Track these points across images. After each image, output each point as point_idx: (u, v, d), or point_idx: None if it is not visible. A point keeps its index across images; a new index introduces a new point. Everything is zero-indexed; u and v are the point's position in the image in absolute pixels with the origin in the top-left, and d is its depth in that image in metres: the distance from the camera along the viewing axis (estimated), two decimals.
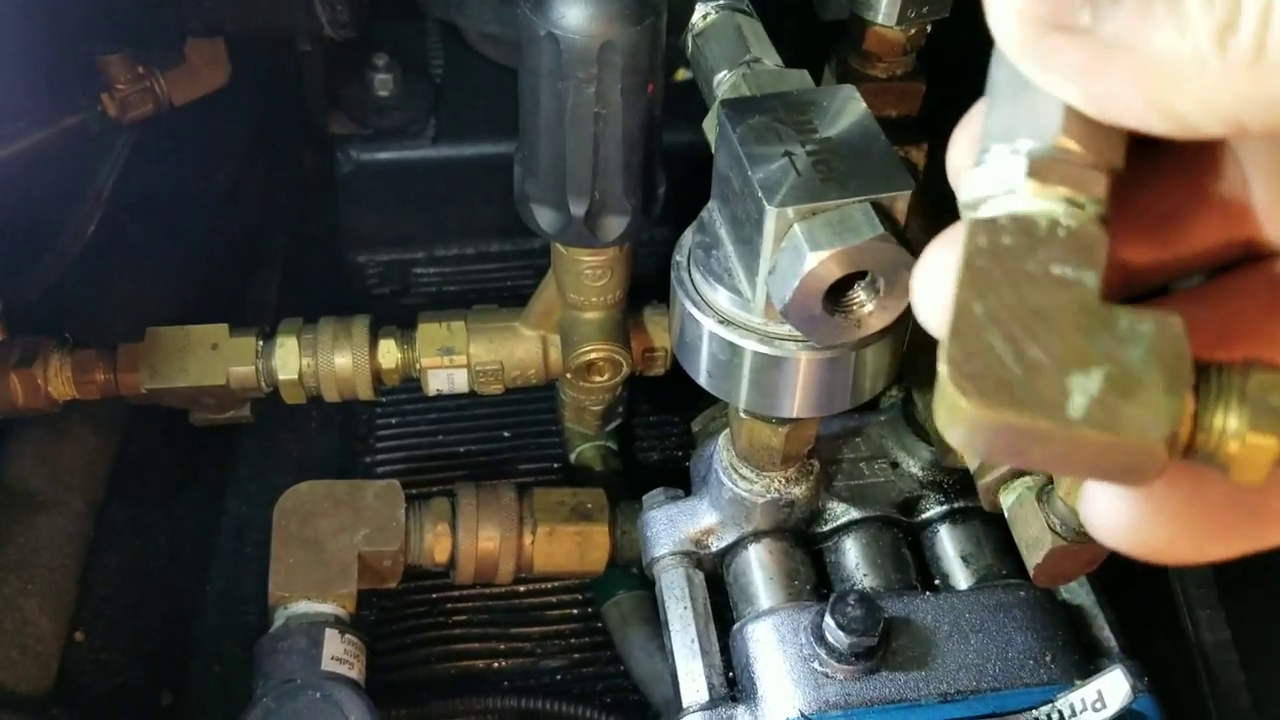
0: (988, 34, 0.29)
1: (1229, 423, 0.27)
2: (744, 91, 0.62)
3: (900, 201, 0.51)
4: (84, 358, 0.86)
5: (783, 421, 0.66)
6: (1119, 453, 0.26)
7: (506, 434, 1.10)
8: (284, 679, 0.73)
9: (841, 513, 0.76)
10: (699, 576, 0.75)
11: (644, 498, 0.80)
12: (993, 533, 0.76)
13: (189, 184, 1.10)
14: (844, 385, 0.59)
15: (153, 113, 0.97)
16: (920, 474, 0.79)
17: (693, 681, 0.70)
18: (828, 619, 0.64)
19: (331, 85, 1.14)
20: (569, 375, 0.88)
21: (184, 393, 0.87)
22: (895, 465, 0.79)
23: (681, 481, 0.82)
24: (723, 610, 0.75)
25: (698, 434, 0.88)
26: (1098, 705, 0.64)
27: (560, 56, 0.65)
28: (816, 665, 0.66)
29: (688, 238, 0.60)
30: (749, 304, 0.56)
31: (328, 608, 0.78)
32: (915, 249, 0.49)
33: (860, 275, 0.52)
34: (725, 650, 0.72)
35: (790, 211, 0.50)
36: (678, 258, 0.60)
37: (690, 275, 0.59)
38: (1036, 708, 0.65)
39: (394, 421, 1.10)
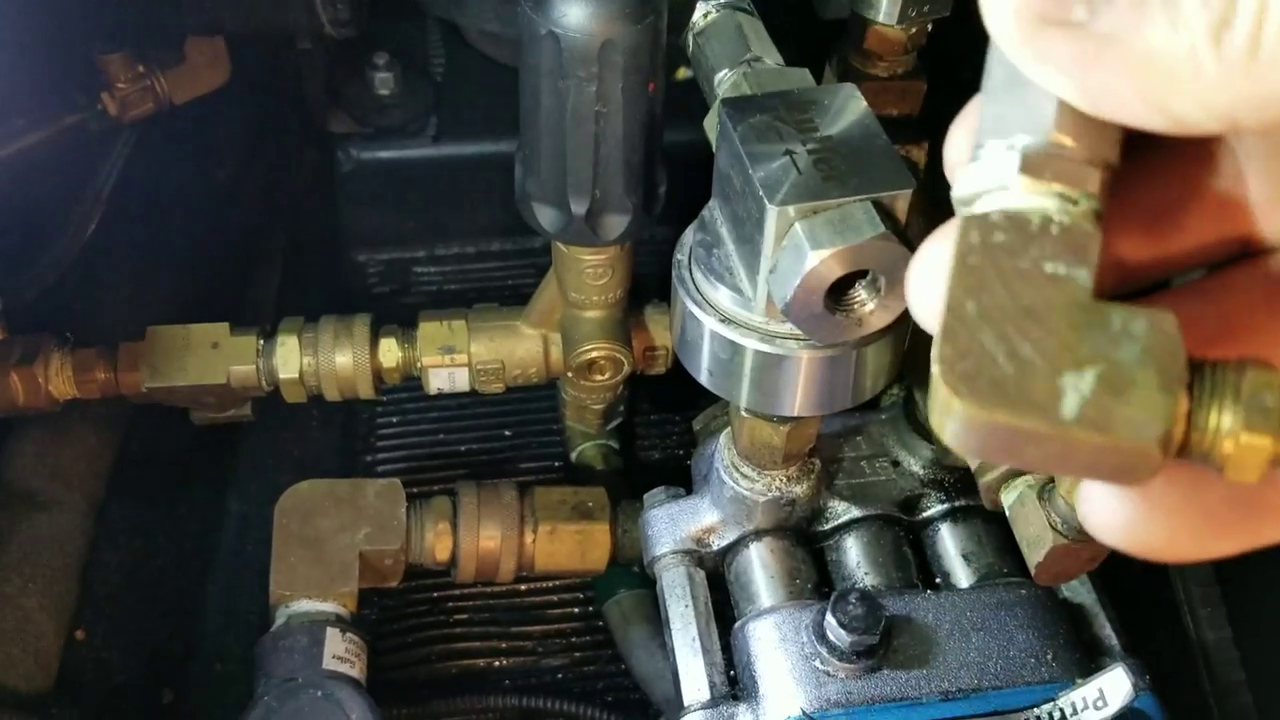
0: (987, 31, 0.29)
1: (1223, 422, 0.27)
2: (745, 90, 0.62)
3: (901, 200, 0.51)
4: (84, 357, 0.86)
5: (784, 420, 0.66)
6: (1113, 453, 0.26)
7: (507, 433, 1.10)
8: (285, 677, 0.73)
9: (843, 511, 0.76)
10: (700, 575, 0.75)
11: (645, 496, 0.80)
12: (994, 531, 0.76)
13: (189, 183, 1.10)
14: (845, 384, 0.59)
15: (153, 112, 0.97)
16: (921, 472, 0.79)
17: (694, 680, 0.70)
18: (829, 617, 0.64)
19: (332, 84, 1.14)
20: (570, 374, 0.88)
21: (185, 392, 0.87)
22: (896, 464, 0.79)
23: (683, 480, 0.82)
24: (724, 609, 0.75)
25: (699, 433, 0.88)
26: (1099, 703, 0.64)
27: (561, 55, 0.65)
28: (818, 663, 0.66)
29: (689, 236, 0.60)
30: (750, 303, 0.56)
31: (329, 606, 0.78)
32: (916, 248, 0.49)
33: (861, 274, 0.52)
34: (726, 649, 0.72)
35: (791, 210, 0.50)
36: (679, 256, 0.60)
37: (691, 274, 0.59)
38: (1038, 706, 0.65)
39: (395, 420, 1.10)
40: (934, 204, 0.59)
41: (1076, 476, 0.29)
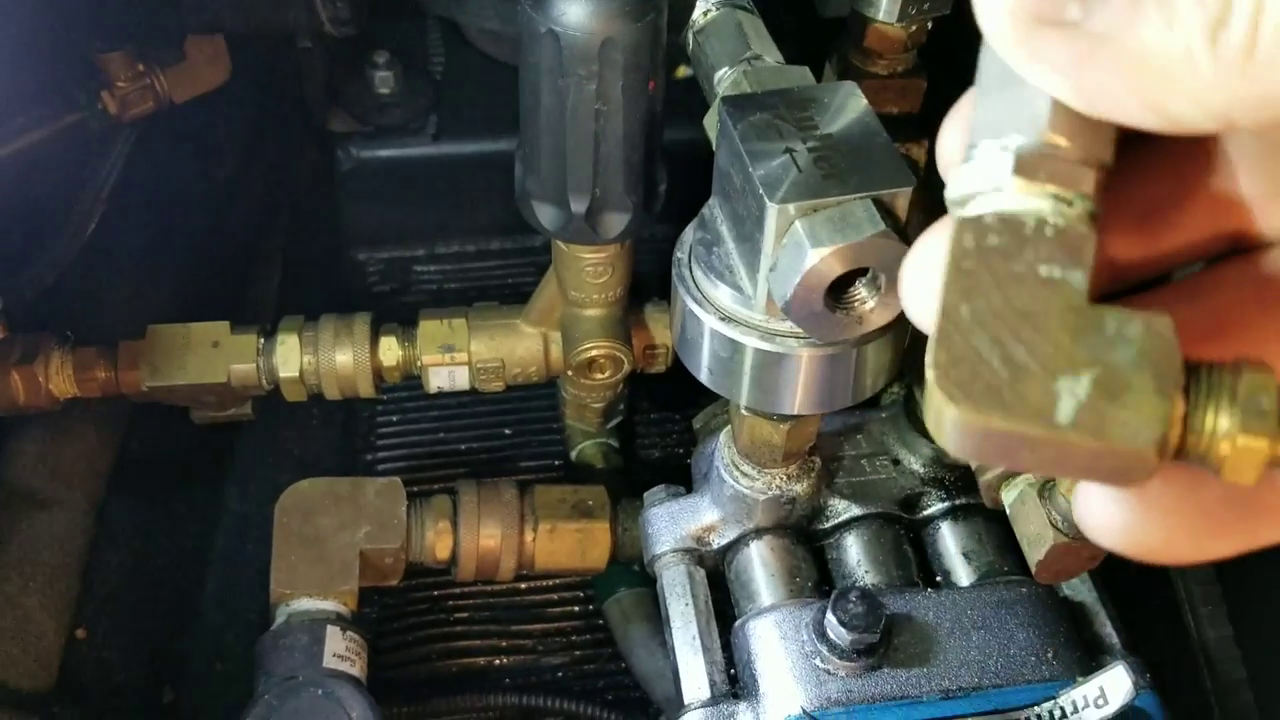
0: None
1: (1220, 424, 0.27)
2: (745, 88, 0.62)
3: (901, 198, 0.51)
4: (85, 355, 0.86)
5: (784, 418, 0.66)
6: (1109, 457, 0.26)
7: (508, 431, 1.10)
8: (286, 676, 0.73)
9: (843, 509, 0.76)
10: (700, 573, 0.75)
11: (645, 495, 0.80)
12: (994, 529, 0.76)
13: (189, 182, 1.10)
14: (845, 382, 0.59)
15: (153, 110, 0.97)
16: (922, 470, 0.79)
17: (694, 678, 0.70)
18: (829, 616, 0.64)
19: (332, 83, 1.14)
20: (570, 372, 0.88)
21: (185, 390, 0.87)
22: (897, 462, 0.79)
23: (683, 478, 0.82)
24: (724, 607, 0.75)
25: (699, 431, 0.88)
26: (1100, 702, 0.64)
27: (561, 53, 0.65)
28: (818, 662, 0.66)
29: (689, 235, 0.60)
30: (750, 301, 0.56)
31: (329, 605, 0.78)
32: None
33: (862, 272, 0.52)
34: (727, 647, 0.72)
35: (791, 208, 0.50)
36: (679, 255, 0.60)
37: (691, 272, 0.59)
38: (1038, 704, 0.65)
39: (395, 419, 1.10)
40: (934, 202, 0.59)
41: (1074, 478, 0.29)
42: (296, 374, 0.87)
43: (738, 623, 0.71)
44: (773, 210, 0.50)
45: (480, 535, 0.85)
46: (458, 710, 0.90)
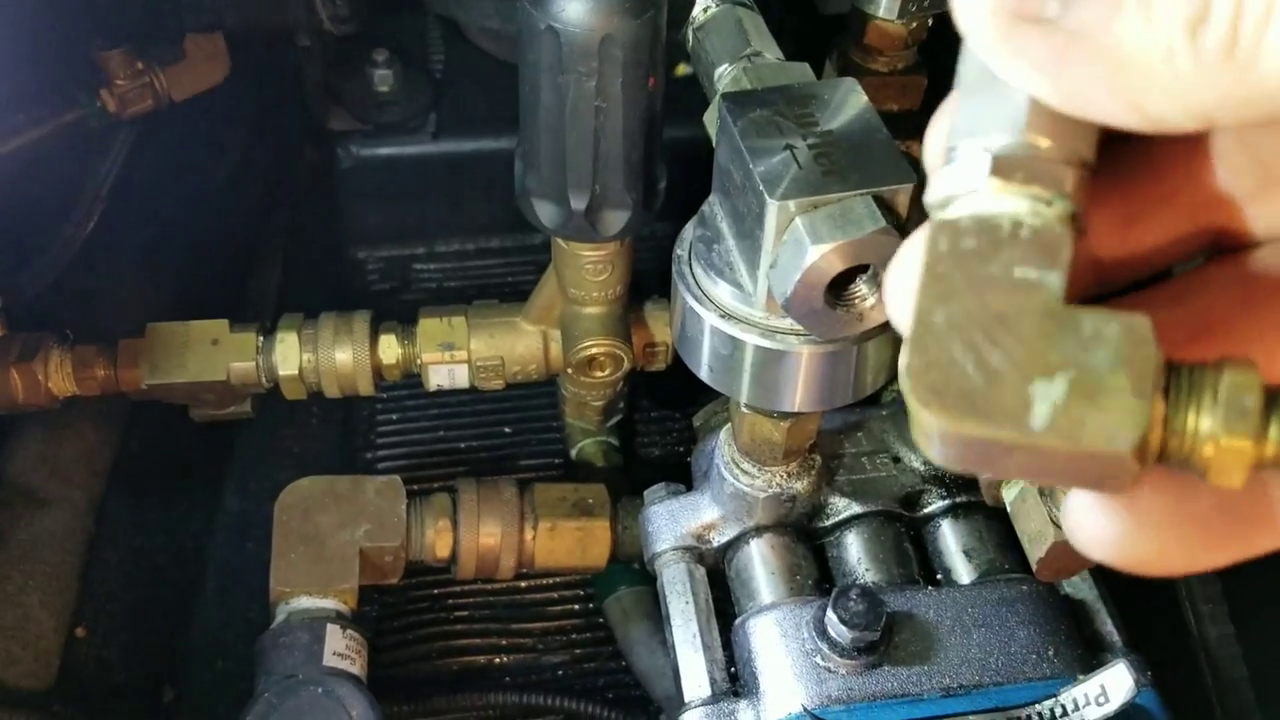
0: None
1: (1202, 425, 0.26)
2: (745, 85, 0.62)
3: (902, 195, 0.51)
4: (84, 353, 0.86)
5: (784, 416, 0.66)
6: (1087, 461, 0.25)
7: (507, 429, 1.09)
8: (285, 675, 0.73)
9: (843, 507, 0.76)
10: (700, 571, 0.75)
11: (645, 493, 0.80)
12: (995, 527, 0.76)
13: (189, 180, 1.10)
14: (846, 379, 0.59)
15: (152, 108, 0.97)
16: (922, 468, 0.78)
17: (694, 676, 0.69)
18: (830, 613, 0.64)
19: (331, 81, 1.14)
20: (570, 370, 0.88)
21: (184, 388, 0.87)
22: (897, 460, 0.79)
23: (683, 477, 0.81)
24: (724, 605, 0.75)
25: (699, 429, 0.87)
26: (1101, 699, 0.64)
27: (561, 50, 0.64)
28: (819, 660, 0.66)
29: (689, 232, 0.60)
30: (750, 298, 0.56)
31: (329, 603, 0.78)
32: None
33: (862, 269, 0.52)
34: (727, 645, 0.72)
35: (792, 205, 0.50)
36: (679, 252, 0.60)
37: (691, 269, 0.59)
38: (1039, 702, 0.65)
39: (395, 417, 1.10)
40: None
41: (1057, 484, 0.28)
42: (296, 372, 0.87)
43: (738, 621, 0.71)
44: (773, 207, 0.50)
45: (480, 533, 0.85)
46: (458, 709, 0.90)
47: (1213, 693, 0.80)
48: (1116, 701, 0.63)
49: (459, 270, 1.22)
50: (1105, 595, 0.73)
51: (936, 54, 0.81)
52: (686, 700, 0.69)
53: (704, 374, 0.61)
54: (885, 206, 0.50)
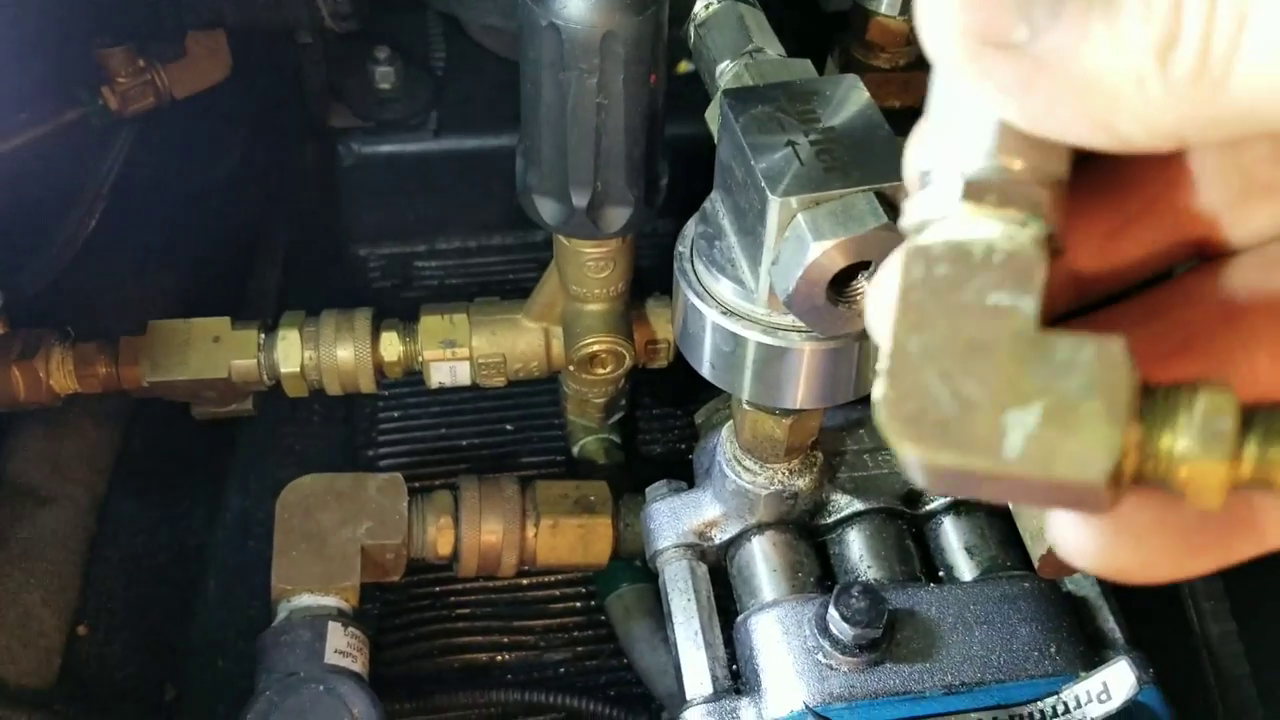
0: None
1: (1177, 448, 0.26)
2: (747, 81, 0.62)
3: (904, 191, 0.51)
4: (86, 351, 0.86)
5: (786, 413, 0.66)
6: (1062, 489, 0.25)
7: (509, 427, 1.09)
8: (287, 672, 0.73)
9: (845, 504, 0.76)
10: (702, 569, 0.75)
11: (647, 490, 0.80)
12: (997, 524, 0.76)
13: (190, 177, 1.10)
14: (847, 376, 0.59)
15: (154, 106, 0.97)
16: None
17: (696, 674, 0.69)
18: (832, 611, 0.64)
19: (333, 78, 1.14)
20: (571, 368, 0.88)
21: (186, 386, 0.87)
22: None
23: (685, 474, 0.81)
24: (726, 603, 0.74)
25: (701, 426, 0.87)
26: (1103, 696, 0.64)
27: (562, 47, 0.64)
28: (821, 657, 0.66)
29: (690, 229, 0.60)
30: (752, 295, 0.55)
31: (330, 601, 0.78)
32: None
33: (864, 265, 0.51)
34: (729, 643, 0.72)
35: (794, 201, 0.50)
36: (680, 249, 0.60)
37: (693, 266, 0.59)
38: (1041, 699, 0.65)
39: (396, 415, 1.10)
40: None
41: (1037, 506, 0.28)
42: (298, 369, 0.87)
43: (740, 618, 0.71)
44: (775, 203, 0.50)
45: (482, 531, 0.85)
46: (459, 706, 0.90)
47: (1215, 690, 0.80)
48: (1118, 699, 0.63)
49: (460, 267, 1.22)
50: (1107, 592, 0.73)
51: None
52: (688, 698, 0.69)
53: (706, 371, 0.60)
54: (887, 203, 0.50)
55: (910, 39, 0.78)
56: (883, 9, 0.75)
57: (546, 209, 0.74)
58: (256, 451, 1.05)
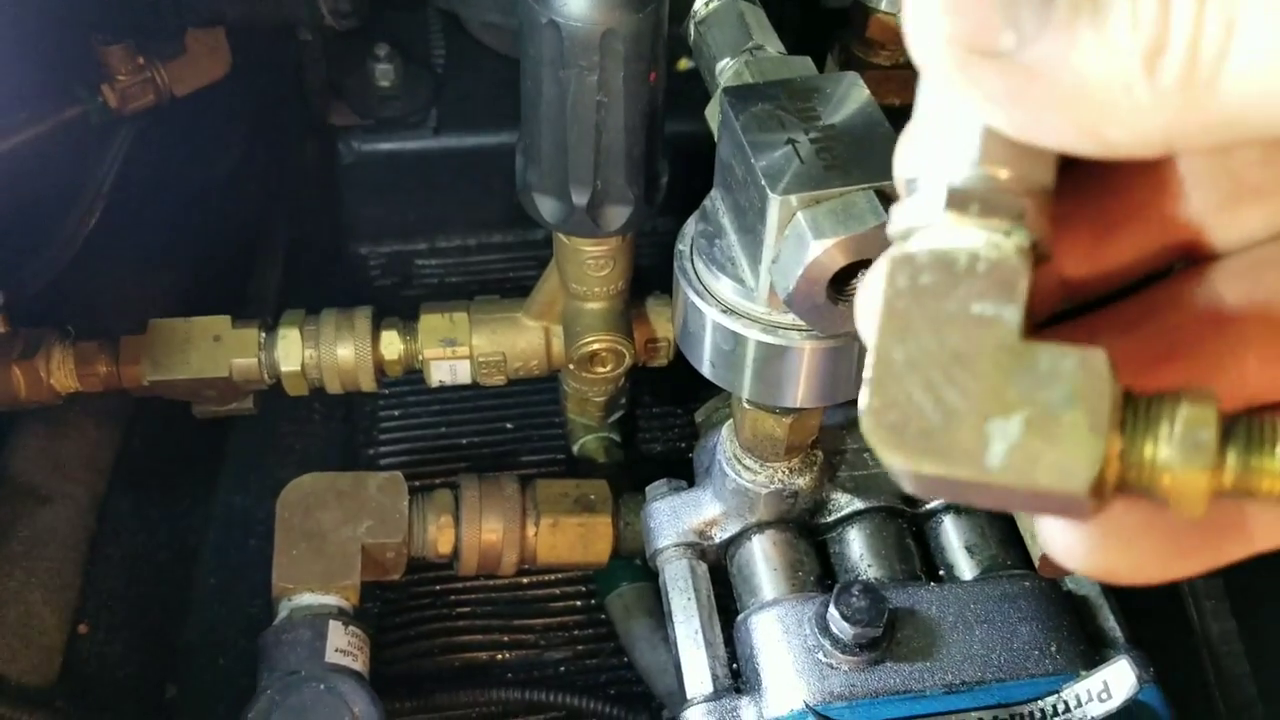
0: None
1: (1159, 457, 0.26)
2: (747, 79, 0.62)
3: None
4: (86, 350, 0.86)
5: (786, 412, 0.66)
6: (1045, 498, 0.26)
7: (509, 425, 1.09)
8: (288, 671, 0.73)
9: (845, 503, 0.76)
10: (702, 568, 0.75)
11: (647, 489, 0.80)
12: (997, 523, 0.76)
13: (190, 176, 1.10)
14: (848, 375, 0.58)
15: (154, 104, 0.97)
16: None
17: (696, 673, 0.69)
18: (832, 610, 0.64)
19: (333, 76, 1.14)
20: (571, 366, 0.88)
21: (186, 385, 0.87)
22: None
23: (685, 473, 0.81)
24: (726, 602, 0.74)
25: (701, 425, 0.87)
26: (1103, 695, 0.64)
27: (562, 45, 0.64)
28: (821, 656, 0.65)
29: (690, 227, 0.60)
30: (752, 293, 0.55)
31: (331, 600, 0.78)
32: None
33: (865, 263, 0.51)
34: (729, 641, 0.71)
35: (794, 199, 0.50)
36: (680, 247, 0.60)
37: (693, 265, 0.58)
38: (1042, 698, 0.65)
39: (396, 413, 1.10)
40: None
41: (1024, 512, 0.28)
42: (298, 368, 0.87)
43: (740, 617, 0.71)
44: (775, 201, 0.50)
45: (482, 530, 0.85)
46: (460, 705, 0.90)
47: (1215, 689, 0.80)
48: (1119, 698, 0.63)
49: (460, 266, 1.22)
50: (1107, 591, 0.73)
51: None
52: (689, 696, 0.69)
53: (706, 370, 0.60)
54: (887, 201, 0.50)
55: None
56: (883, 6, 0.75)
57: (546, 207, 0.74)
58: (257, 450, 1.05)
